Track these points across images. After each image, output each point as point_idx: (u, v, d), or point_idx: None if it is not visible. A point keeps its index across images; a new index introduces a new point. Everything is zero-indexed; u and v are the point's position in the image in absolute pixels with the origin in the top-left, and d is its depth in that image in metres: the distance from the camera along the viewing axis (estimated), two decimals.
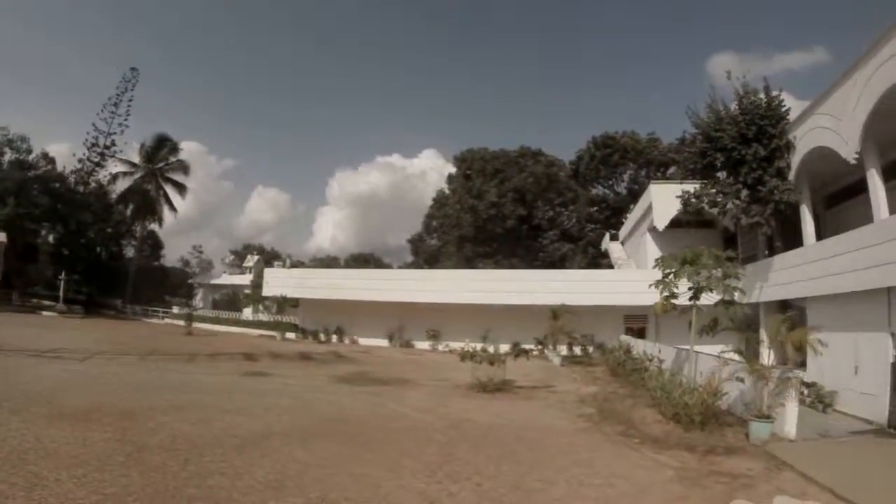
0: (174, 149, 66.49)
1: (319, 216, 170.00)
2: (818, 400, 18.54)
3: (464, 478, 9.43)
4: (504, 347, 22.90)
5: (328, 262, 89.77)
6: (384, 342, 38.46)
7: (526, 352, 22.74)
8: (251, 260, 64.20)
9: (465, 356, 19.82)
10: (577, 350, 33.73)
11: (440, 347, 34.00)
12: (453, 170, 75.10)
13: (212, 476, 8.45)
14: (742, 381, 14.89)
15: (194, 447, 10.00)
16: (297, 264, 69.88)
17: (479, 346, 20.75)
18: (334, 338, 40.31)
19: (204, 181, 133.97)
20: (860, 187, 20.00)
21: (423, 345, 37.30)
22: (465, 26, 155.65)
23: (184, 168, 66.50)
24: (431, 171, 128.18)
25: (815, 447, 13.56)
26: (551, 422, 15.10)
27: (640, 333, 33.27)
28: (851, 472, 11.40)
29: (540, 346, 32.45)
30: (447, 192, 73.92)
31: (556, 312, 30.67)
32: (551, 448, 12.03)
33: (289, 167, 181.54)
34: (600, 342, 32.04)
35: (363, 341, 39.08)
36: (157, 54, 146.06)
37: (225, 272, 62.80)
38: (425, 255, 73.18)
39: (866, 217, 18.67)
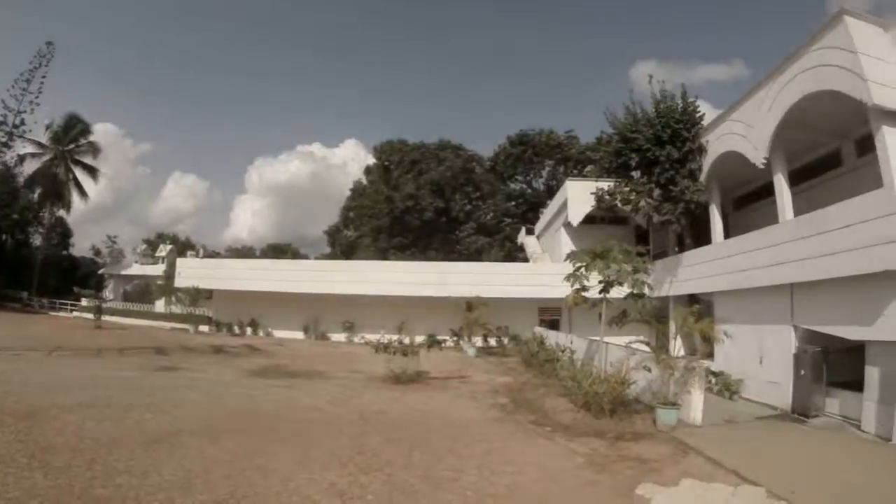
0: (85, 130, 61.49)
1: (238, 205, 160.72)
2: (725, 388, 19.43)
3: (375, 469, 9.38)
4: (420, 339, 22.69)
5: (244, 252, 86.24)
6: (299, 334, 37.47)
7: (439, 343, 22.76)
8: (164, 249, 61.01)
9: (379, 348, 19.64)
10: (493, 342, 33.79)
11: (356, 339, 33.19)
12: (373, 161, 74.47)
13: (119, 475, 8.13)
14: (649, 370, 15.39)
15: (101, 446, 9.56)
16: (212, 254, 67.80)
17: (394, 337, 20.46)
18: (249, 330, 39.00)
19: (118, 166, 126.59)
20: (767, 191, 20.98)
21: (339, 337, 36.52)
22: (390, 15, 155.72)
23: (95, 150, 61.82)
24: (353, 161, 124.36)
25: (721, 432, 14.05)
26: (464, 412, 15.14)
27: (554, 325, 33.71)
28: (756, 455, 11.81)
29: (455, 338, 32.54)
30: (365, 182, 73.24)
31: (471, 304, 30.69)
32: (463, 438, 12.04)
33: (208, 153, 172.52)
34: (515, 334, 32.22)
35: (278, 334, 38.02)
36: (74, 32, 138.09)
37: (137, 262, 59.54)
38: (342, 246, 71.97)
39: (771, 218, 19.58)
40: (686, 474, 9.81)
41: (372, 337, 21.62)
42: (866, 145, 17.49)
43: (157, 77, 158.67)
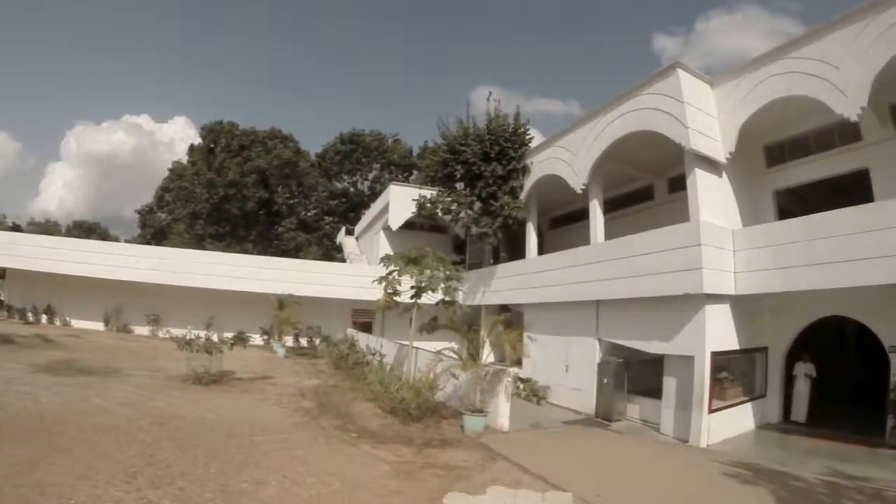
0: None
1: (50, 173, 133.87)
2: (532, 394, 19.96)
3: (166, 482, 8.36)
4: (229, 336, 21.17)
5: (49, 228, 75.43)
6: (100, 325, 32.47)
7: (244, 341, 21.30)
8: None
9: (182, 344, 17.76)
10: (304, 342, 32.34)
11: (160, 334, 30.26)
12: (199, 141, 67.87)
13: None
14: (456, 376, 15.40)
15: None
16: (12, 227, 60.52)
17: (201, 333, 18.87)
18: (44, 318, 33.03)
19: None
20: (582, 214, 22.06)
21: (143, 330, 32.39)
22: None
23: None
24: (181, 140, 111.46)
25: (528, 437, 14.27)
26: (267, 416, 14.03)
27: (367, 328, 33.05)
28: (562, 460, 12.16)
29: (266, 337, 30.98)
30: (186, 163, 66.78)
31: (282, 302, 29.10)
32: (264, 445, 11.13)
33: (23, 110, 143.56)
34: (327, 335, 30.90)
35: (76, 323, 32.68)
36: None
37: None
38: (153, 229, 66.08)
39: (584, 240, 20.45)
40: (494, 481, 9.73)
41: (178, 332, 19.83)
42: (677, 184, 19.46)
43: None
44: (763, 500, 9.61)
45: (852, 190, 15.46)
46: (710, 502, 9.85)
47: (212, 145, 63.86)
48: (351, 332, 29.75)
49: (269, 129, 65.84)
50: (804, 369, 16.84)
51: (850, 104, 13.36)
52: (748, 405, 16.50)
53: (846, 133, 15.82)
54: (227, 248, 51.74)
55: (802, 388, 16.82)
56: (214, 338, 19.06)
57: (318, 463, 10.18)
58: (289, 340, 30.59)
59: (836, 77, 13.65)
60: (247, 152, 61.52)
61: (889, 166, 14.95)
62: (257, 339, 29.61)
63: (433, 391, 15.28)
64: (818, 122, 15.94)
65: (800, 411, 16.75)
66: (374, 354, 22.01)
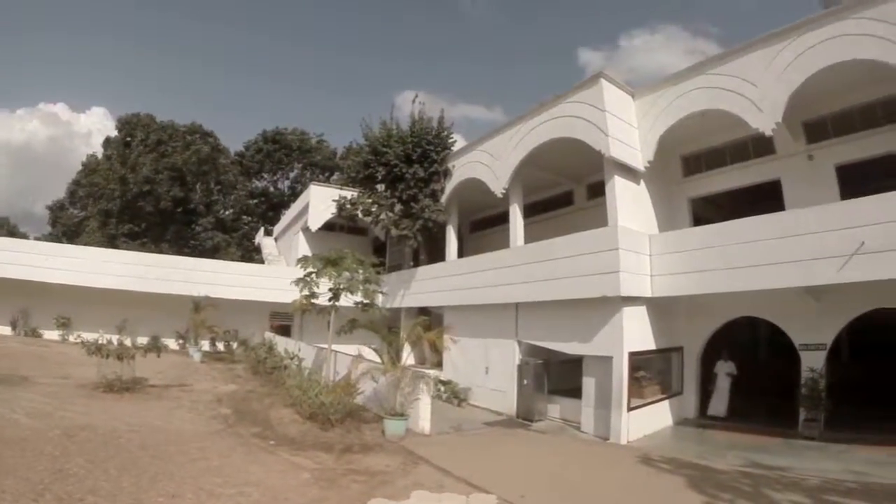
0: None
1: None
2: (454, 396, 19.83)
3: (76, 499, 7.66)
4: (143, 341, 19.98)
5: None
6: (6, 329, 29.22)
7: (159, 346, 20.19)
8: None
9: (92, 349, 16.42)
10: (221, 346, 30.74)
11: (71, 338, 28.22)
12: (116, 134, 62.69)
13: None
14: (375, 380, 15.06)
15: None
16: None
17: (114, 338, 17.74)
18: None
19: None
20: (502, 218, 21.99)
21: (53, 334, 29.32)
22: None
23: None
24: (99, 132, 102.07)
25: (450, 440, 14.12)
26: (182, 425, 13.21)
27: (286, 331, 32.10)
28: (485, 461, 11.98)
29: (181, 341, 29.26)
30: (100, 157, 62.00)
31: (198, 304, 27.74)
32: (179, 455, 10.42)
33: None
34: (245, 338, 29.67)
35: None
36: None
37: None
38: (65, 227, 61.62)
39: (504, 243, 20.45)
40: (417, 485, 9.59)
41: (90, 336, 18.53)
42: (596, 190, 19.65)
43: None
44: (684, 493, 9.80)
45: (765, 199, 16.20)
46: (633, 497, 9.90)
47: (128, 139, 59.67)
48: (269, 335, 28.60)
49: (189, 124, 62.53)
50: (725, 368, 17.47)
51: (765, 119, 14.15)
52: (666, 402, 16.97)
53: (760, 146, 16.65)
54: (141, 248, 47.98)
55: (723, 385, 17.40)
56: (127, 342, 17.88)
57: (235, 473, 9.68)
58: (205, 345, 28.83)
59: (753, 94, 14.42)
60: (163, 147, 58.02)
61: (799, 178, 15.97)
62: (172, 344, 28.17)
63: (353, 395, 14.90)
64: (734, 135, 16.70)
65: (721, 407, 17.25)
66: (292, 358, 21.28)
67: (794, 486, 10.18)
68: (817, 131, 16.00)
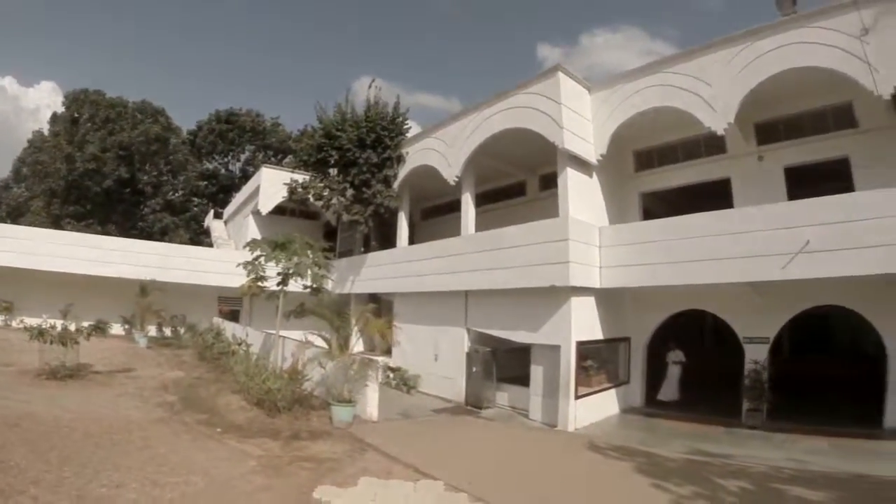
0: None
1: None
2: (403, 383, 19.71)
3: (17, 491, 7.23)
4: (87, 325, 19.13)
5: None
6: None
7: (104, 330, 19.44)
8: None
9: (34, 334, 15.58)
10: (168, 331, 29.66)
11: (13, 323, 26.91)
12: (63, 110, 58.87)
13: None
14: (323, 366, 14.77)
15: None
16: None
17: (59, 322, 17.00)
18: None
19: None
20: (454, 206, 21.83)
21: None
22: None
23: None
24: (48, 108, 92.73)
25: (398, 427, 14.03)
26: (127, 412, 12.68)
27: (235, 316, 31.29)
28: (433, 448, 11.98)
29: (127, 326, 27.92)
30: (46, 133, 58.65)
31: (144, 288, 26.70)
32: (124, 444, 10.02)
33: None
34: (192, 323, 28.70)
35: None
36: None
37: None
38: (9, 207, 57.92)
39: (455, 231, 20.32)
40: (365, 472, 9.46)
41: (34, 321, 17.68)
42: (548, 181, 19.72)
43: None
44: (630, 479, 9.90)
45: (715, 196, 16.50)
46: (579, 482, 9.97)
47: (76, 115, 56.56)
48: (217, 320, 27.87)
49: (139, 101, 59.78)
50: (674, 356, 18.09)
51: (718, 119, 14.47)
52: (613, 391, 17.15)
53: (712, 145, 16.96)
54: (87, 230, 45.85)
55: (674, 372, 18.03)
56: (72, 327, 17.11)
57: (181, 461, 9.34)
58: (152, 330, 27.67)
59: (707, 93, 14.75)
60: (112, 125, 55.26)
61: (749, 177, 16.42)
62: (118, 329, 27.03)
63: (300, 381, 14.59)
64: (687, 133, 16.87)
65: (672, 392, 17.87)
66: (240, 344, 20.58)
67: (738, 473, 10.32)
68: (769, 133, 16.35)
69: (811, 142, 15.45)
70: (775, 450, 12.41)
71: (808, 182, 15.16)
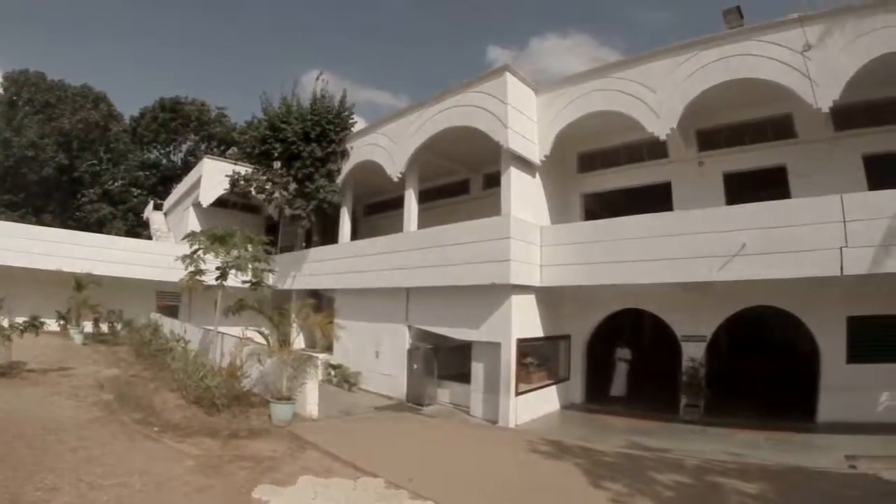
0: None
1: None
2: (344, 380, 19.43)
3: None
4: (20, 321, 18.07)
5: None
6: None
7: (38, 326, 18.45)
8: None
9: None
10: (105, 327, 28.27)
11: None
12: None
13: None
14: (262, 362, 14.45)
15: None
16: None
17: None
18: None
19: None
20: (397, 203, 21.40)
21: None
22: None
23: None
24: None
25: (338, 425, 13.89)
26: (61, 412, 12.11)
27: (174, 312, 29.76)
28: (373, 446, 11.88)
29: (63, 322, 26.18)
30: None
31: (80, 282, 25.43)
32: (58, 445, 9.53)
33: None
34: (130, 319, 27.43)
35: None
36: None
37: None
38: None
39: (398, 228, 19.98)
40: (305, 471, 9.21)
41: None
42: (492, 180, 19.60)
43: None
44: (568, 473, 9.95)
45: (656, 199, 16.74)
46: (519, 476, 9.99)
47: (14, 98, 53.40)
48: (155, 316, 26.80)
49: (80, 85, 56.58)
50: (621, 354, 18.75)
51: (660, 124, 14.64)
52: (553, 388, 17.27)
53: (654, 150, 17.12)
54: (21, 219, 43.41)
55: (621, 369, 18.71)
56: (5, 323, 16.19)
57: (118, 462, 8.95)
58: (88, 326, 26.48)
59: (652, 99, 14.87)
60: (51, 110, 52.44)
61: (689, 182, 16.72)
62: (53, 325, 24.88)
63: (239, 378, 14.17)
64: (630, 137, 17.10)
65: (620, 388, 18.57)
66: (178, 340, 19.93)
67: (675, 466, 10.49)
68: (710, 140, 16.76)
69: (751, 150, 16.00)
70: (712, 443, 12.64)
71: (746, 188, 15.54)
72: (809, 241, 12.04)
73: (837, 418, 13.45)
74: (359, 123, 24.07)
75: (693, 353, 15.59)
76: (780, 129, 15.59)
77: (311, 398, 14.01)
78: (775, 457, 11.36)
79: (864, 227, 11.69)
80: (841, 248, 11.75)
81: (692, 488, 9.18)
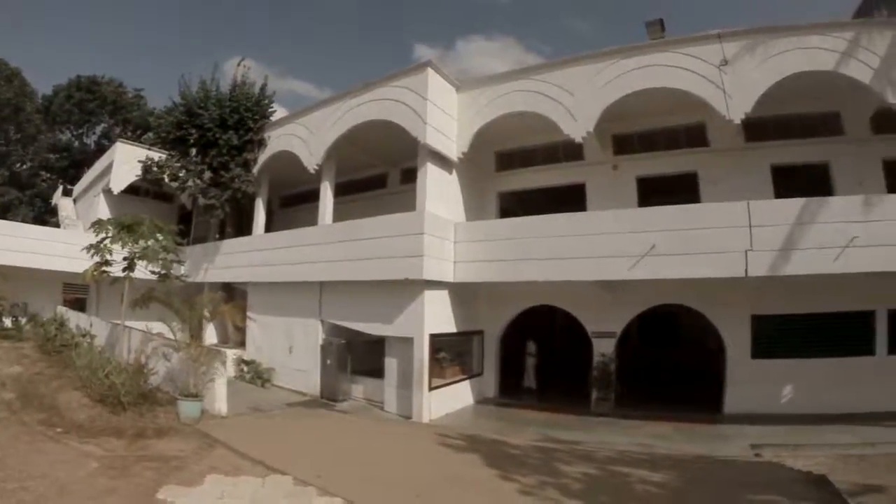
0: None
1: None
2: (257, 376, 18.93)
3: None
4: None
5: None
6: None
7: None
8: None
9: None
10: (7, 321, 26.39)
11: None
12: None
13: None
14: (168, 358, 13.80)
15: None
16: None
17: None
18: None
19: None
20: (314, 195, 20.55)
21: None
22: None
23: None
24: None
25: (248, 422, 13.58)
26: None
27: (82, 305, 27.65)
28: (283, 443, 11.72)
29: None
30: None
31: None
32: None
33: None
34: (35, 313, 25.68)
35: None
36: None
37: None
38: None
39: (313, 221, 19.40)
40: (212, 470, 8.92)
41: None
42: (409, 175, 19.27)
43: None
44: (479, 466, 9.99)
45: (570, 200, 17.09)
46: (429, 470, 9.92)
47: None
48: (61, 309, 24.39)
49: None
50: (530, 349, 19.06)
51: (577, 127, 14.95)
52: (467, 383, 17.28)
53: (571, 151, 17.37)
54: None
55: (530, 363, 19.03)
56: None
57: (19, 465, 8.46)
58: None
59: (570, 103, 15.10)
60: None
61: (603, 184, 17.16)
62: None
63: (146, 375, 13.27)
64: (548, 138, 17.19)
65: (531, 380, 18.87)
66: (84, 335, 18.69)
67: (584, 457, 10.69)
68: (625, 144, 17.17)
69: (664, 156, 16.64)
70: (622, 435, 12.89)
71: (658, 192, 16.06)
72: (717, 244, 12.55)
73: (743, 410, 14.14)
74: (280, 113, 23.08)
75: (604, 348, 15.92)
76: (693, 137, 16.22)
77: (220, 395, 13.45)
78: (683, 447, 11.68)
79: (768, 232, 12.27)
80: (746, 251, 12.30)
81: (600, 479, 9.28)
